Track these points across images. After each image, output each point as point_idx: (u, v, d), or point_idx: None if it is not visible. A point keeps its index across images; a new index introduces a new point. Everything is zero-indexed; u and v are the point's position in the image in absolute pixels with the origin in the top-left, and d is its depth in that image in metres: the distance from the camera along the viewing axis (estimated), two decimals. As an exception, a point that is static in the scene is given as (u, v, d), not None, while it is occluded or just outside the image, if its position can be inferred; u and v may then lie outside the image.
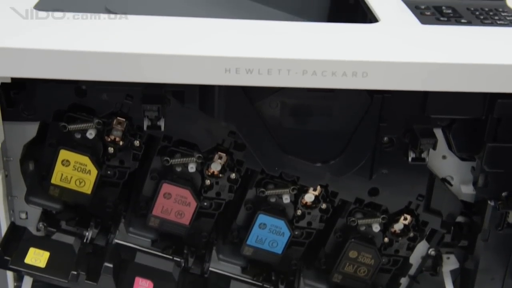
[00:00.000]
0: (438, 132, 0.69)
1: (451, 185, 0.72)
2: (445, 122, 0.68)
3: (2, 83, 0.61)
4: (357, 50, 0.62)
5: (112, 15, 0.68)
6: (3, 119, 0.64)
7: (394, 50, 0.62)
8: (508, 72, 0.60)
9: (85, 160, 0.68)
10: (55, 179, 0.68)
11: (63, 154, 0.67)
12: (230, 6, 0.92)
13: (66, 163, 0.68)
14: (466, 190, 0.72)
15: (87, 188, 0.69)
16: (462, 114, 0.66)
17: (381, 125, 0.67)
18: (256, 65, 0.59)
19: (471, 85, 0.61)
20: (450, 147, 0.70)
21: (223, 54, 0.59)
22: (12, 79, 0.60)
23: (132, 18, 0.66)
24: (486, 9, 0.72)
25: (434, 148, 0.66)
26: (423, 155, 0.67)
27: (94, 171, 0.68)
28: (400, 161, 0.69)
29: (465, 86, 0.61)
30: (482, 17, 0.70)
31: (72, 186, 0.69)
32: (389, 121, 0.66)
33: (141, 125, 0.66)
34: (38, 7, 0.66)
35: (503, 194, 0.68)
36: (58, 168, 0.68)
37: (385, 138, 0.68)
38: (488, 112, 0.64)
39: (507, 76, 0.60)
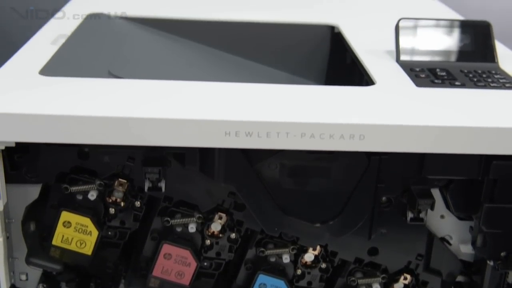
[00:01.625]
0: (436, 192, 0.69)
1: (450, 244, 0.73)
2: (442, 183, 0.69)
3: (6, 147, 0.62)
4: (354, 113, 0.63)
5: (115, 79, 0.70)
6: (6, 182, 0.65)
7: (391, 113, 0.63)
8: (502, 135, 0.61)
9: (86, 221, 0.68)
10: (56, 241, 0.69)
11: (65, 215, 0.68)
12: (232, 67, 0.95)
13: (67, 224, 0.68)
14: (466, 250, 0.72)
15: (88, 249, 0.69)
16: (458, 175, 0.67)
17: (379, 186, 0.67)
18: (256, 128, 0.61)
19: (466, 147, 0.62)
20: (448, 206, 0.70)
21: (223, 118, 0.61)
22: (16, 143, 0.62)
23: (134, 82, 0.68)
24: (479, 71, 0.74)
25: (432, 208, 0.67)
26: (421, 215, 0.68)
27: (95, 232, 0.69)
28: (398, 220, 0.69)
29: (460, 148, 0.62)
30: (475, 79, 0.72)
31: (73, 247, 0.69)
32: (386, 182, 0.67)
33: (142, 186, 0.67)
34: (43, 72, 0.68)
35: (502, 254, 0.68)
36: (59, 229, 0.68)
37: (383, 198, 0.69)
38: (484, 173, 0.65)
39: (501, 139, 0.61)
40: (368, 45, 0.85)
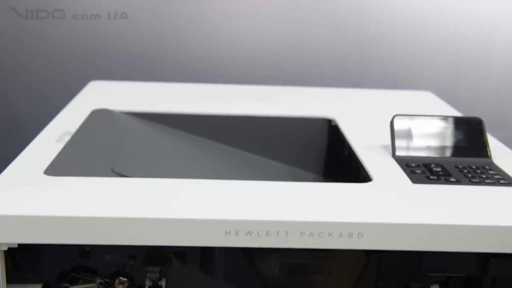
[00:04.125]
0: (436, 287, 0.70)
1: None
2: (442, 279, 0.69)
3: (9, 248, 0.63)
4: (352, 211, 0.64)
5: (117, 178, 0.72)
6: (7, 282, 0.65)
7: (388, 211, 0.65)
8: (499, 233, 0.62)
9: (86, 321, 0.68)
10: None
11: (64, 315, 0.67)
12: (233, 160, 0.97)
13: (66, 324, 0.68)
14: None
15: None
16: (457, 272, 0.67)
17: (379, 283, 0.68)
18: (255, 227, 0.62)
19: (463, 245, 0.63)
20: (448, 303, 0.70)
21: (223, 218, 0.62)
22: (19, 244, 0.62)
23: (135, 181, 0.69)
24: (474, 167, 0.75)
25: (433, 306, 0.67)
26: (422, 313, 0.68)
27: (94, 332, 0.68)
28: (400, 317, 0.69)
29: (458, 246, 0.63)
30: (470, 175, 0.73)
31: None
32: (386, 279, 0.67)
33: (142, 284, 0.67)
34: (47, 172, 0.70)
35: None
36: (59, 329, 0.68)
37: (384, 295, 0.69)
38: (483, 271, 0.66)
39: (498, 237, 0.62)
40: (364, 140, 0.87)
